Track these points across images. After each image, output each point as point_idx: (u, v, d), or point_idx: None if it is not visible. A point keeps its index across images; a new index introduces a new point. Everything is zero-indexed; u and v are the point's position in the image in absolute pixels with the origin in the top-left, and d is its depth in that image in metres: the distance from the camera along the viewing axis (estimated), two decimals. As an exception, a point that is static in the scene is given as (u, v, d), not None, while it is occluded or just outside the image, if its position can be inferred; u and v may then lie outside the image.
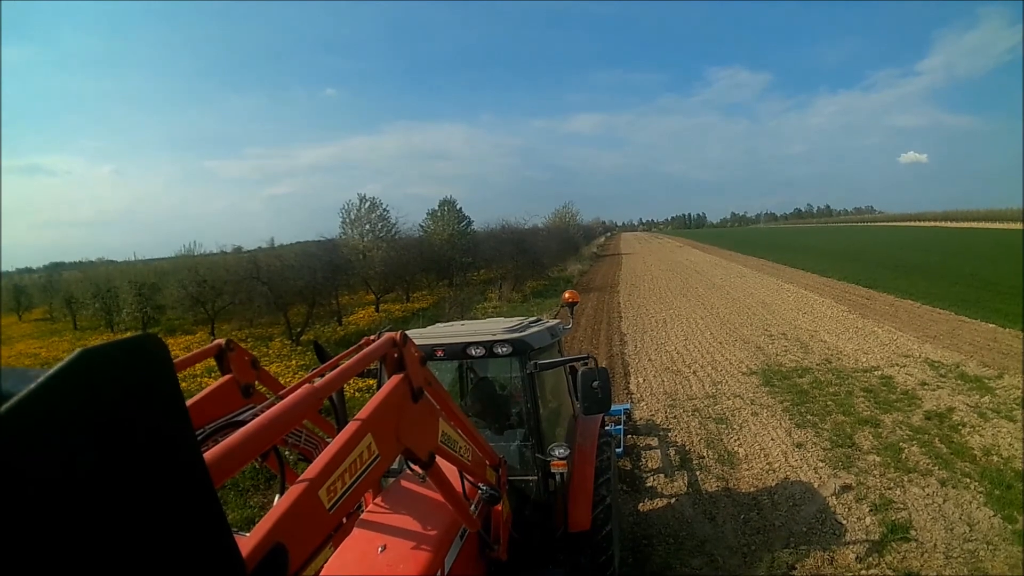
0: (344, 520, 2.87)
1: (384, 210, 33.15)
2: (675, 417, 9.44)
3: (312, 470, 1.81)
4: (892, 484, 6.75)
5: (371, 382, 6.26)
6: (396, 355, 2.47)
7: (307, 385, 1.95)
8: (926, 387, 9.96)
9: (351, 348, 3.19)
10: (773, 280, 27.60)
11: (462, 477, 3.32)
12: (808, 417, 8.93)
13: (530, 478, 4.36)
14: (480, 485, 3.47)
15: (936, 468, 7.03)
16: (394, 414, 2.31)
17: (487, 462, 3.62)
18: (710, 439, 8.42)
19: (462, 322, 5.99)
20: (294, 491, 1.70)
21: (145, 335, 0.81)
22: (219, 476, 1.40)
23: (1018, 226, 64.61)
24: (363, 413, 2.12)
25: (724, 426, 8.86)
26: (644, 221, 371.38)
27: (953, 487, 6.57)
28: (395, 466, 3.76)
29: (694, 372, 12.12)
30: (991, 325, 14.56)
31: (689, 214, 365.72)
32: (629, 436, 8.38)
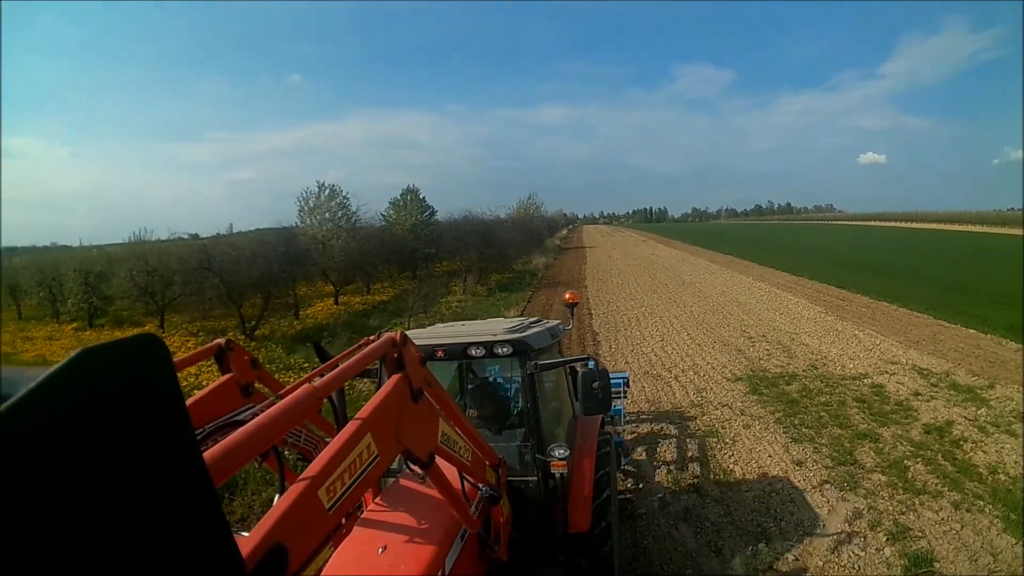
0: (344, 520, 3.00)
1: (344, 198, 32.26)
2: (662, 429, 9.15)
3: (312, 470, 1.85)
4: (904, 508, 6.61)
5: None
6: (396, 355, 2.53)
7: (307, 385, 1.99)
8: (920, 397, 10.08)
9: (351, 348, 3.29)
10: (744, 278, 28.16)
11: (462, 477, 3.43)
12: (803, 430, 8.80)
13: (530, 478, 4.49)
14: (480, 485, 3.59)
15: (946, 489, 6.96)
16: (394, 414, 2.38)
17: (487, 462, 3.74)
18: (703, 455, 8.14)
19: (462, 322, 6.18)
20: (294, 491, 1.75)
21: (145, 335, 0.83)
22: (219, 476, 1.42)
23: (977, 228, 68.73)
24: (363, 413, 2.18)
25: (716, 440, 8.60)
26: (605, 214, 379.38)
27: (967, 510, 6.51)
28: (395, 466, 3.88)
29: (675, 377, 11.92)
30: (972, 331, 15.11)
31: (650, 208, 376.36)
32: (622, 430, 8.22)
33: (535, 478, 4.47)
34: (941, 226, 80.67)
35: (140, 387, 0.79)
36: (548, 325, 5.44)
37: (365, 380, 7.19)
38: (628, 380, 9.45)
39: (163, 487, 0.79)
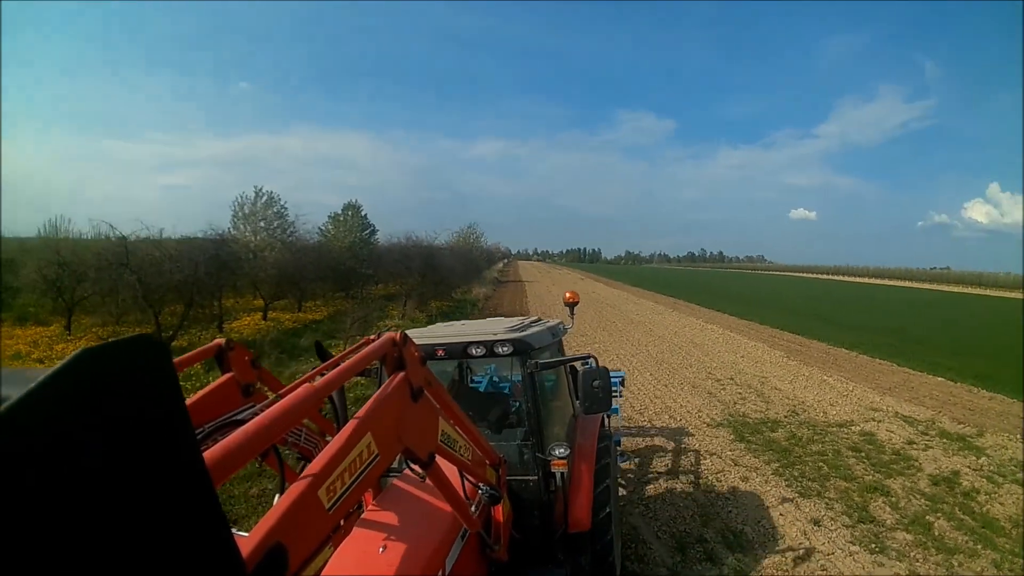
0: (344, 520, 3.03)
1: (282, 207, 30.81)
2: (650, 482, 8.22)
3: (312, 469, 1.87)
4: (947, 570, 6.02)
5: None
6: (396, 355, 2.55)
7: (307, 384, 2.03)
8: (915, 446, 9.73)
9: (351, 348, 3.29)
10: (693, 319, 28.27)
11: (462, 477, 3.44)
12: (806, 483, 8.11)
13: (530, 478, 4.49)
14: (480, 485, 3.62)
15: (979, 547, 6.48)
16: (394, 414, 2.39)
17: (487, 462, 3.76)
18: (704, 514, 7.20)
19: (462, 322, 6.22)
20: (294, 491, 1.76)
21: (145, 335, 0.84)
22: (219, 476, 1.44)
23: (907, 284, 73.25)
24: (363, 412, 2.19)
25: (714, 495, 7.71)
26: (539, 251, 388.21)
27: (1010, 569, 6.06)
28: (395, 466, 3.94)
29: (650, 421, 11.10)
30: (940, 379, 15.31)
31: (584, 248, 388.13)
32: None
33: (535, 477, 4.48)
34: (872, 280, 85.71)
35: (140, 387, 0.80)
36: (548, 324, 5.51)
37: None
38: (624, 379, 9.46)
39: (163, 487, 0.80)
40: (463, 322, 6.18)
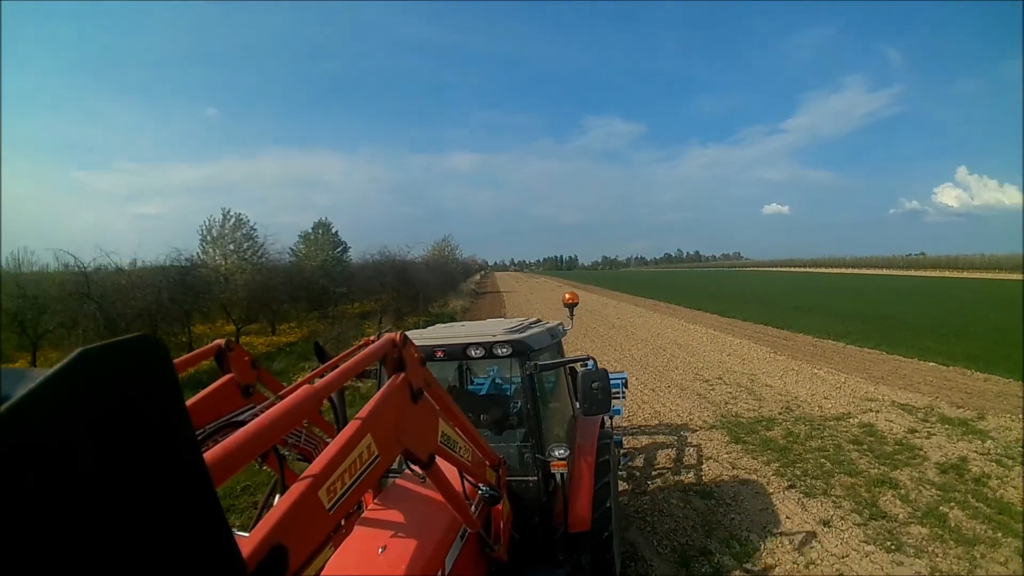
0: (343, 520, 3.10)
1: (252, 228, 30.01)
2: (646, 492, 7.78)
3: (312, 470, 1.88)
4: (970, 564, 5.66)
5: None
6: (396, 355, 2.57)
7: (307, 385, 2.03)
8: (917, 434, 9.46)
9: (351, 348, 3.66)
10: (675, 320, 28.05)
11: (462, 477, 3.44)
12: (810, 482, 7.73)
13: (530, 478, 4.51)
14: (480, 485, 3.61)
15: (999, 535, 6.16)
16: (394, 414, 2.41)
17: (487, 462, 3.78)
18: (706, 523, 6.74)
19: (462, 323, 6.31)
20: (294, 491, 1.77)
21: (144, 335, 0.84)
22: (219, 476, 1.44)
23: (884, 271, 74.18)
24: (363, 413, 2.20)
25: (714, 502, 7.26)
26: (516, 261, 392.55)
27: None
28: (395, 466, 4.07)
29: (641, 428, 10.72)
30: (931, 364, 15.18)
31: (561, 256, 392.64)
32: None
33: (535, 478, 4.50)
34: (850, 270, 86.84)
35: (140, 387, 0.80)
36: (548, 326, 5.54)
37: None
38: (626, 380, 9.35)
39: (163, 487, 0.80)
40: (463, 323, 6.23)
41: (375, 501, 3.61)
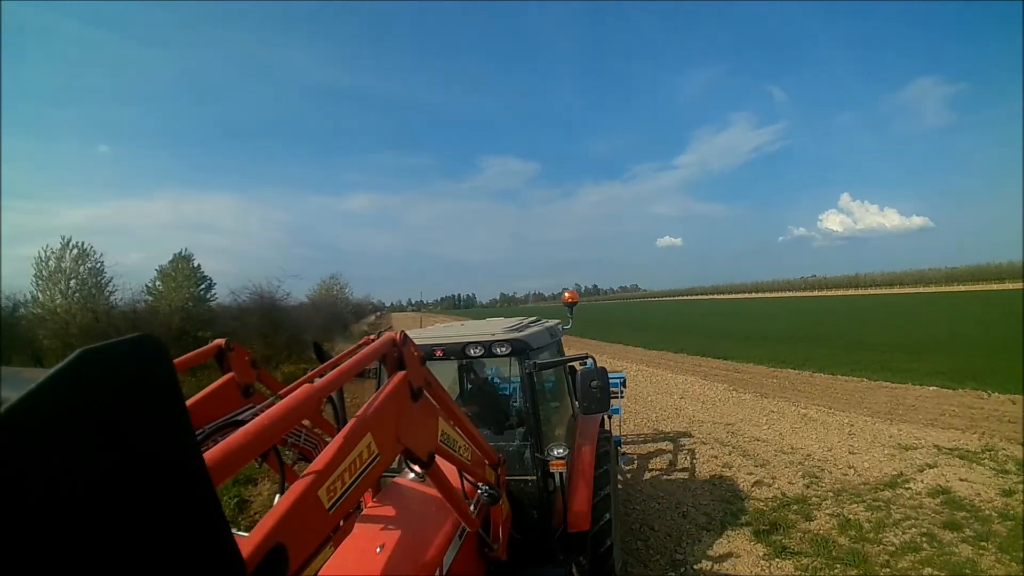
0: (343, 520, 3.08)
1: (99, 261, 25.61)
2: None
3: (312, 470, 1.91)
4: None
5: None
6: (396, 355, 2.63)
7: (307, 385, 2.02)
8: (1015, 496, 6.83)
9: (351, 348, 3.52)
10: (596, 356, 25.18)
11: (461, 476, 3.53)
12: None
13: (529, 478, 4.57)
14: (479, 485, 3.71)
15: None
16: (394, 414, 2.42)
17: (486, 461, 3.82)
18: None
19: (462, 322, 6.45)
20: (294, 491, 1.79)
21: (144, 335, 0.85)
22: (219, 476, 1.44)
23: (787, 295, 76.56)
24: (363, 412, 2.23)
25: None
26: (414, 302, 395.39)
27: None
28: (395, 466, 4.28)
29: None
30: (931, 388, 13.33)
31: (459, 295, 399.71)
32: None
33: (534, 477, 4.52)
34: (751, 295, 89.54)
35: (140, 387, 0.80)
36: (547, 325, 5.70)
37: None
38: (624, 380, 9.35)
39: (163, 487, 0.81)
40: (463, 322, 6.33)
41: (374, 500, 3.69)
